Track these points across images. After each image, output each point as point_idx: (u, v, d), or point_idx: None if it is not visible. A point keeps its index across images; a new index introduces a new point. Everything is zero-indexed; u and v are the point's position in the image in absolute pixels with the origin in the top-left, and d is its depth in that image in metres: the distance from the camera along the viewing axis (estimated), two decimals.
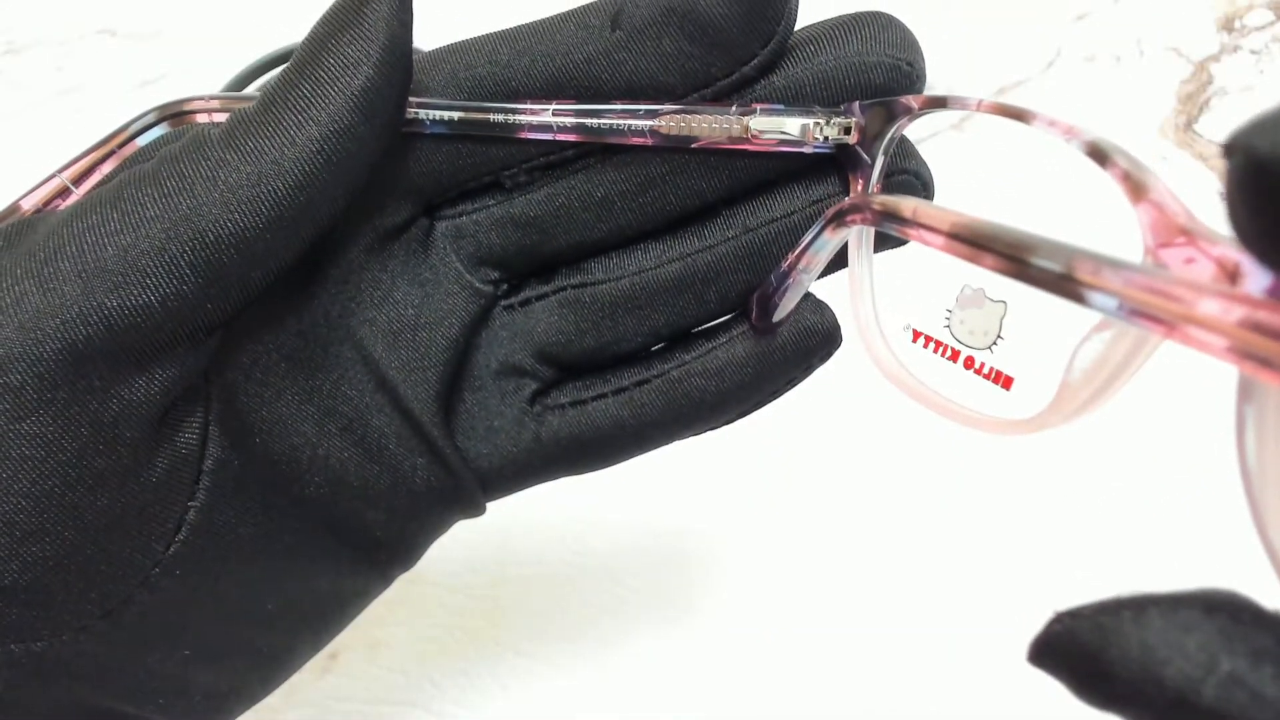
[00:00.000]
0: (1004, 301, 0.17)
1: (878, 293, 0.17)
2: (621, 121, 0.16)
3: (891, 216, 0.14)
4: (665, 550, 0.30)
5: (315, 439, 0.16)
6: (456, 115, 0.16)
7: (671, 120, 0.16)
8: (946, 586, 0.29)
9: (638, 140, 0.16)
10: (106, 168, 0.16)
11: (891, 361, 0.17)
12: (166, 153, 0.14)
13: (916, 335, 0.17)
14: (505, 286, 0.18)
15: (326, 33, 0.14)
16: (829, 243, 0.16)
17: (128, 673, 0.15)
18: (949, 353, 0.17)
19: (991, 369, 0.16)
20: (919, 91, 0.16)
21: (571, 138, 0.16)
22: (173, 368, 0.14)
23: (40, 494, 0.13)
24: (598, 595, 0.29)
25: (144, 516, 0.14)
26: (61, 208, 0.15)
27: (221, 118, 0.16)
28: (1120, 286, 0.10)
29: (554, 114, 0.16)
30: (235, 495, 0.15)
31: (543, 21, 0.16)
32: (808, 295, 0.18)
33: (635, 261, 0.17)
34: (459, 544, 0.30)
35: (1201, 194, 0.38)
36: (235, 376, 0.16)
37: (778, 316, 0.17)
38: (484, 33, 0.16)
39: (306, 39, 0.15)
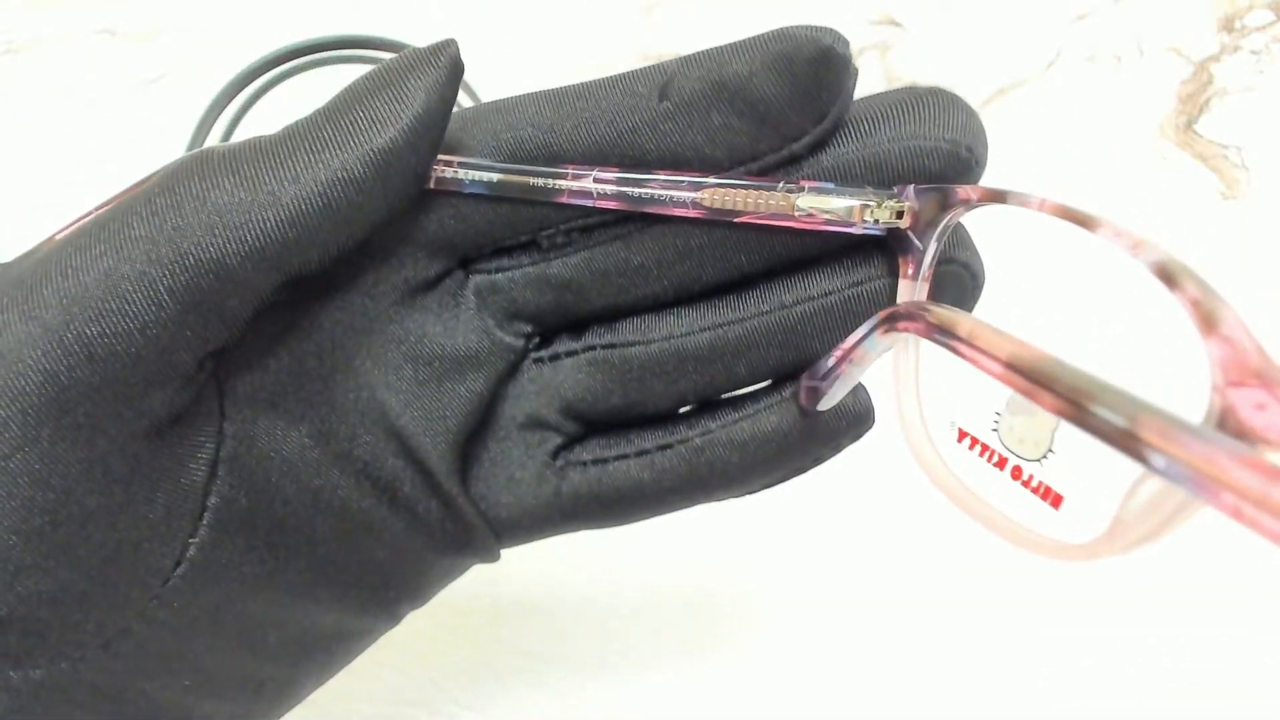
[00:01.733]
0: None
1: (924, 390, 0.16)
2: (664, 192, 0.15)
3: (946, 332, 0.13)
4: (666, 550, 0.30)
5: (328, 482, 0.16)
6: (496, 177, 0.15)
7: (716, 194, 0.15)
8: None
9: (679, 211, 0.15)
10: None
11: (940, 467, 0.16)
12: (165, 169, 0.14)
13: (962, 435, 0.16)
14: (536, 340, 0.18)
15: (366, 88, 0.14)
16: (880, 344, 0.15)
17: (127, 700, 0.15)
18: (995, 458, 0.16)
19: (1040, 483, 0.15)
20: (977, 178, 0.16)
21: (611, 205, 0.16)
22: (162, 402, 0.14)
23: (30, 531, 0.13)
24: (599, 594, 0.29)
25: (141, 551, 0.14)
26: None
27: None
28: (1186, 456, 0.09)
29: (595, 180, 0.15)
30: (239, 533, 0.15)
31: (589, 85, 0.16)
32: None
33: (668, 326, 0.17)
34: None
35: (1202, 194, 0.38)
36: (252, 415, 0.15)
37: (824, 405, 0.17)
38: (528, 91, 0.16)
39: (346, 90, 0.15)
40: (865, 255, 0.16)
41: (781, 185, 0.15)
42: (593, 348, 0.17)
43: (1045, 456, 0.15)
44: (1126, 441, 0.10)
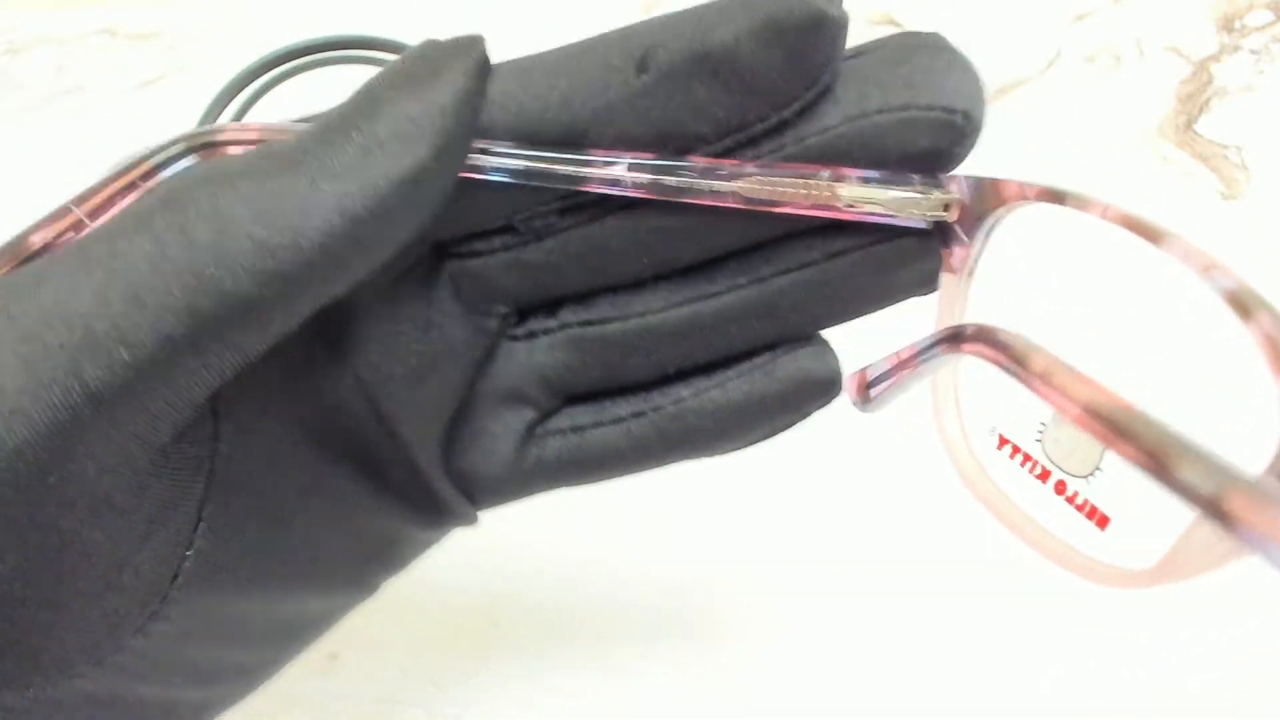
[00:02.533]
0: None
1: (964, 398, 0.15)
2: (701, 182, 0.14)
3: (1017, 362, 0.12)
4: (668, 550, 0.30)
5: (316, 475, 0.16)
6: (521, 164, 0.14)
7: (756, 183, 0.14)
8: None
9: (715, 202, 0.15)
10: (127, 201, 0.14)
11: (985, 483, 0.15)
12: (169, 187, 0.13)
13: (1003, 442, 0.15)
14: (513, 319, 0.18)
15: (389, 93, 0.13)
16: (943, 360, 0.14)
17: (119, 705, 0.15)
18: (1038, 470, 0.15)
19: (1086, 501, 0.14)
20: (973, 144, 0.15)
21: (642, 194, 0.15)
22: (169, 431, 0.13)
23: (29, 568, 0.12)
24: (598, 594, 0.29)
25: (141, 574, 0.14)
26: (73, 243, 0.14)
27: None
28: (1275, 532, 0.09)
29: (629, 169, 0.14)
30: (233, 537, 0.15)
31: (559, 58, 0.15)
32: (815, 338, 0.17)
33: (644, 302, 0.17)
34: (459, 543, 0.30)
35: (1202, 194, 0.38)
36: (243, 418, 0.15)
37: (873, 410, 0.16)
38: (497, 61, 0.15)
39: (366, 94, 0.13)
40: (840, 226, 0.16)
41: (826, 174, 0.14)
42: (569, 325, 0.17)
43: (1093, 474, 0.15)
44: (1212, 509, 0.10)
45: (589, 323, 0.17)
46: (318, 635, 0.18)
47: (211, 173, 0.13)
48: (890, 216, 0.15)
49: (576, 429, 0.18)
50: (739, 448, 0.18)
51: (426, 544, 0.19)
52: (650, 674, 0.28)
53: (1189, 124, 0.41)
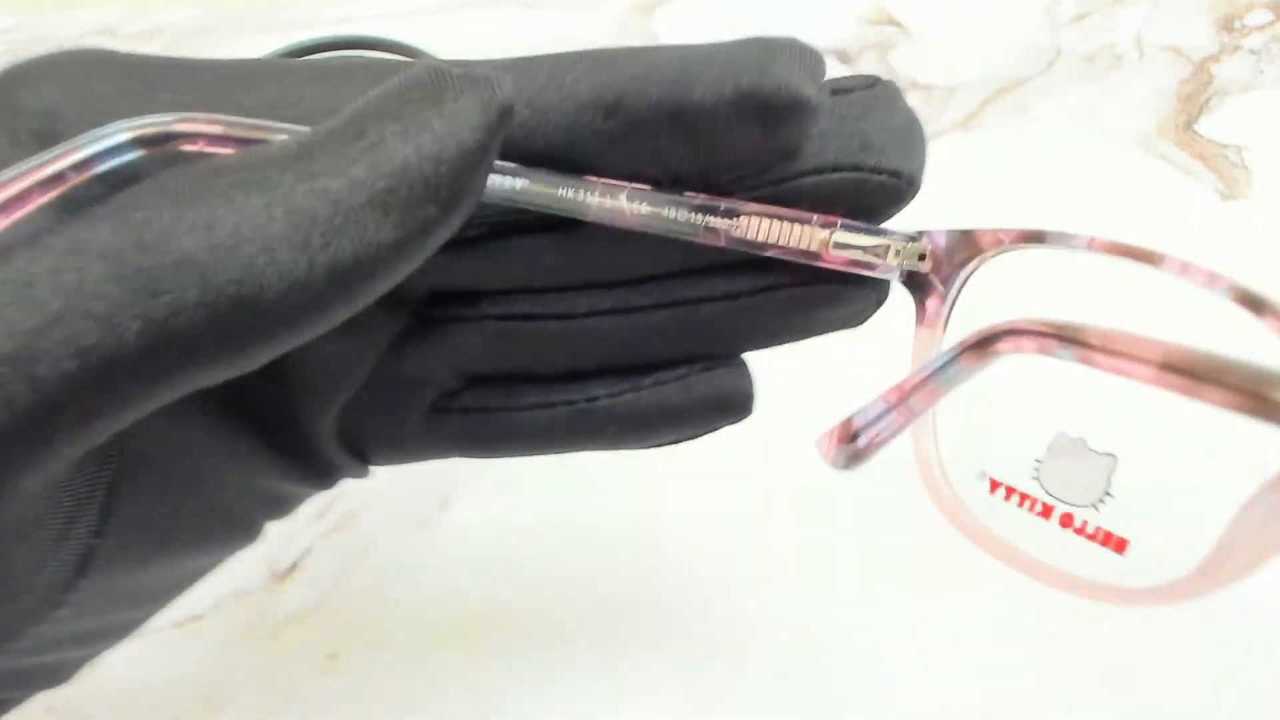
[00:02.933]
0: (1113, 455, 0.14)
1: (945, 449, 0.15)
2: (699, 217, 0.14)
3: (1070, 340, 0.12)
4: (670, 550, 0.30)
5: (218, 442, 0.16)
6: (520, 184, 0.14)
7: (752, 223, 0.14)
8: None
9: (711, 242, 0.15)
10: (45, 198, 0.12)
11: (984, 531, 0.15)
12: (121, 201, 0.12)
13: (995, 485, 0.15)
14: (425, 301, 0.17)
15: (389, 128, 0.12)
16: (960, 374, 0.13)
17: (7, 679, 0.15)
18: (1039, 507, 0.15)
19: (1099, 529, 0.14)
20: (905, 206, 0.15)
21: (634, 227, 0.14)
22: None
23: None
24: (600, 595, 0.29)
25: (43, 571, 0.14)
26: None
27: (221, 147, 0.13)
28: None
29: (629, 198, 0.14)
30: (137, 521, 0.15)
31: (529, 77, 0.14)
32: (735, 359, 0.17)
33: (567, 304, 0.17)
34: (459, 543, 0.30)
35: (1202, 194, 0.38)
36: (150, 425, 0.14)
37: (857, 462, 0.15)
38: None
39: (358, 126, 0.12)
40: (768, 262, 0.16)
41: (816, 219, 0.14)
42: (489, 316, 0.17)
43: (1101, 500, 0.14)
44: None
45: (509, 317, 0.17)
46: (198, 581, 0.19)
47: (162, 188, 0.11)
48: (868, 268, 0.15)
49: (482, 409, 0.18)
50: (643, 449, 0.18)
51: (317, 493, 0.19)
52: (652, 676, 0.28)
53: (1189, 124, 0.41)
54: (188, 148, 0.13)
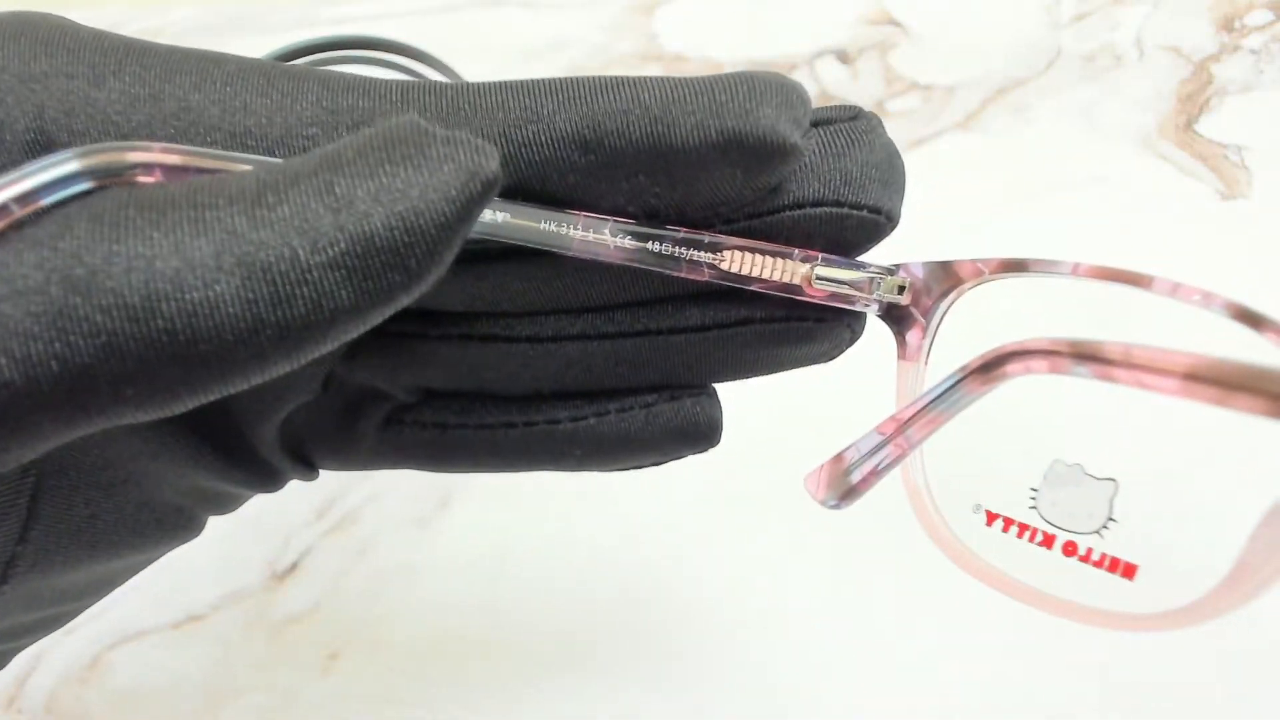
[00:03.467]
0: (1113, 480, 0.14)
1: (935, 483, 0.15)
2: (683, 252, 0.14)
3: (1087, 357, 0.11)
4: (671, 551, 0.30)
5: (151, 443, 0.16)
6: (501, 217, 0.13)
7: (735, 257, 0.14)
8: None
9: (692, 275, 0.14)
10: None
11: (987, 567, 0.15)
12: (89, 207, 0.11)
13: (992, 518, 0.14)
14: None
15: (365, 191, 0.11)
16: (964, 400, 0.13)
17: None
18: (1039, 537, 0.14)
19: (1105, 556, 0.14)
20: (882, 239, 0.15)
21: (616, 260, 0.14)
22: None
23: None
24: (597, 595, 0.29)
25: None
26: None
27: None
28: None
29: (612, 232, 0.14)
30: (62, 523, 0.15)
31: (499, 105, 0.14)
32: (703, 389, 0.17)
33: (532, 327, 0.16)
34: (458, 543, 0.30)
35: (1202, 194, 0.38)
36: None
37: (850, 500, 0.15)
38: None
39: (335, 179, 0.11)
40: (740, 295, 0.16)
41: (798, 253, 0.14)
42: (449, 336, 0.16)
43: (1105, 526, 0.14)
44: None
45: (469, 337, 0.16)
46: (138, 573, 0.18)
47: (125, 205, 0.11)
48: (848, 302, 0.15)
49: (439, 425, 0.17)
50: (607, 472, 0.18)
51: (261, 493, 0.19)
52: (652, 677, 0.28)
53: (1189, 124, 0.41)
54: (143, 179, 0.12)
